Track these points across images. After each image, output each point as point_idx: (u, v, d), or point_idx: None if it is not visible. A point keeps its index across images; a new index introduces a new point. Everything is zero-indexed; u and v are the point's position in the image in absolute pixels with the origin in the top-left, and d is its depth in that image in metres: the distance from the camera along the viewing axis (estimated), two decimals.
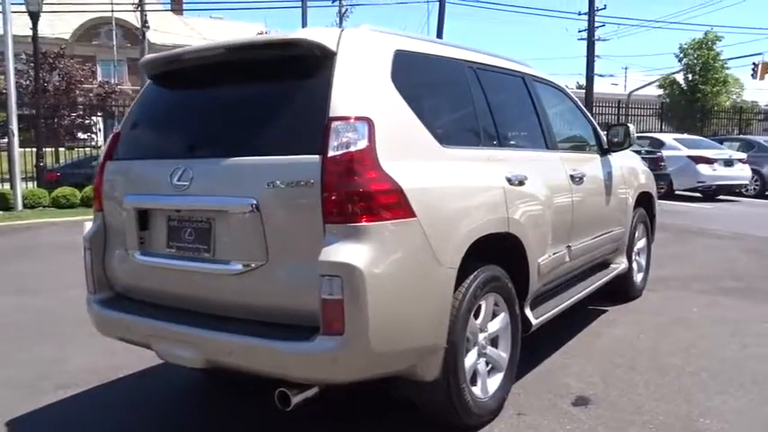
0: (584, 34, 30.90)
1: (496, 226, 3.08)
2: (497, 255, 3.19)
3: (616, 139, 4.70)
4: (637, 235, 5.40)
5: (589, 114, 4.78)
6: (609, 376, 3.68)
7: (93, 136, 28.66)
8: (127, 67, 46.88)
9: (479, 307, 3.07)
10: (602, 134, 4.80)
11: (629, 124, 4.70)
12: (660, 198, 13.66)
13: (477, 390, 3.06)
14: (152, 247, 2.94)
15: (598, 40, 32.58)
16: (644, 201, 5.44)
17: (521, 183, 3.35)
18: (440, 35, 21.20)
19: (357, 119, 2.48)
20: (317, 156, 2.42)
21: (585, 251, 4.29)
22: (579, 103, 4.72)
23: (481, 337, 3.11)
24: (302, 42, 2.62)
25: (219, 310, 2.73)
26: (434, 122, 2.94)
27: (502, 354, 3.27)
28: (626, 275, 5.13)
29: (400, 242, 2.50)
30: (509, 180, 3.23)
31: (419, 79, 2.99)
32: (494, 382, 3.20)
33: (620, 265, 4.98)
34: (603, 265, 4.89)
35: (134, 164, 3.08)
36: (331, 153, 2.41)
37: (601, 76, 39.35)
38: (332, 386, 2.63)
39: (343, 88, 2.52)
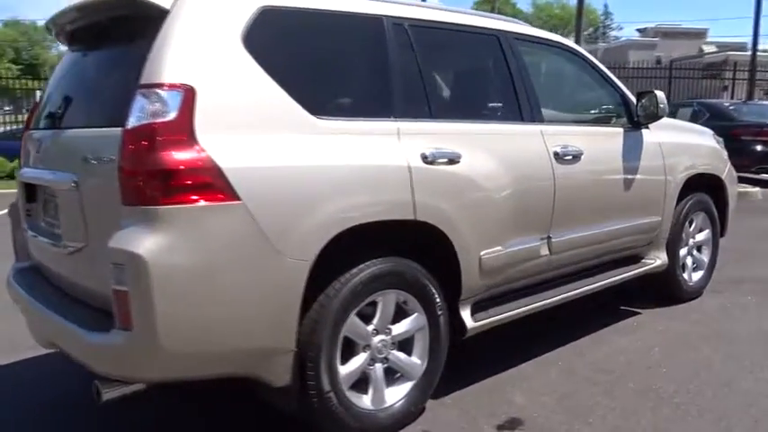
0: None
1: (393, 212, 2.62)
2: (407, 246, 2.74)
3: (645, 111, 3.87)
4: (693, 226, 4.50)
5: (618, 82, 3.96)
6: (571, 397, 3.06)
7: None
8: None
9: (375, 305, 2.67)
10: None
11: (656, 91, 3.83)
12: None
13: (364, 399, 2.67)
14: (35, 221, 2.88)
15: None
16: (706, 185, 4.50)
17: (450, 161, 2.82)
18: None
19: (171, 86, 2.16)
20: (120, 128, 2.16)
21: (583, 244, 3.59)
22: (602, 68, 3.92)
23: (377, 339, 2.69)
24: (134, 0, 2.35)
25: (69, 291, 2.61)
26: (309, 90, 2.52)
27: (415, 360, 2.82)
28: (666, 274, 4.27)
29: (214, 229, 2.17)
30: (425, 158, 2.73)
31: (295, 40, 2.58)
32: (396, 392, 2.77)
33: (653, 261, 4.15)
34: (632, 259, 4.11)
35: (31, 134, 3.03)
36: (130, 125, 2.13)
37: None
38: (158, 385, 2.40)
39: (163, 52, 2.21)
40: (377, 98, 2.78)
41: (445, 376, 2.96)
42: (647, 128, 4.03)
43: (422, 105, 2.90)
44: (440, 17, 3.10)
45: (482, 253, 2.99)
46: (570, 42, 3.79)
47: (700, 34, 42.93)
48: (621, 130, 3.87)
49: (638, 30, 47.53)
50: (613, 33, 53.55)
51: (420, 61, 2.91)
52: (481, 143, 3.01)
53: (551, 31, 4.22)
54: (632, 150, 3.85)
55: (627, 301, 4.45)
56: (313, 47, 2.64)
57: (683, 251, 4.43)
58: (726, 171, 4.66)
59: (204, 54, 2.28)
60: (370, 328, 2.68)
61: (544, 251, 3.34)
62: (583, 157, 3.48)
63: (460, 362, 3.27)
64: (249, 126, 2.30)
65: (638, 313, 4.29)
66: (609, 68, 4.06)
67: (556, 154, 3.34)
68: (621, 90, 3.95)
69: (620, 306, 4.38)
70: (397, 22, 2.88)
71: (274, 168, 2.31)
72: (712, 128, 4.98)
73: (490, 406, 2.98)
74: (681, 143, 4.25)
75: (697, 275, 4.60)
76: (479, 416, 2.89)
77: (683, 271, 4.47)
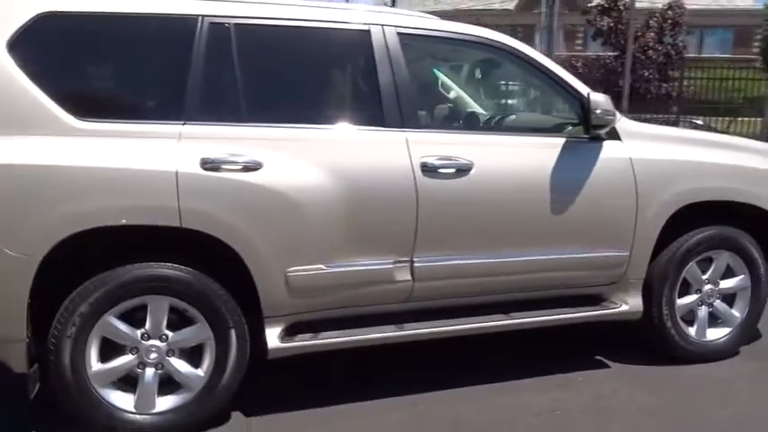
0: None
1: (148, 217, 2.57)
2: (193, 253, 2.68)
3: (591, 119, 3.08)
4: (711, 268, 3.46)
5: (574, 83, 3.20)
6: None
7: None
8: (563, 33, 47.29)
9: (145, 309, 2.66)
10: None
11: (591, 94, 3.00)
12: None
13: (127, 401, 2.67)
14: None
15: None
16: (740, 217, 3.45)
17: (246, 168, 2.66)
18: None
19: None
20: None
21: (476, 273, 3.04)
22: (550, 67, 3.19)
23: (148, 344, 2.67)
24: None
25: None
26: (78, 94, 2.61)
27: (197, 372, 2.74)
28: (649, 325, 3.38)
29: None
30: (205, 163, 2.61)
31: (75, 44, 2.66)
32: (170, 401, 2.72)
33: (618, 305, 3.31)
34: (588, 299, 3.33)
35: None
36: None
37: None
38: None
39: None
40: (163, 101, 2.74)
41: (290, 395, 3.05)
42: (619, 139, 3.23)
43: (228, 109, 2.78)
44: (284, 14, 2.89)
45: (289, 270, 2.75)
46: (500, 37, 3.15)
47: None
48: (562, 140, 3.15)
49: None
50: None
51: (239, 63, 2.78)
52: (298, 150, 2.76)
53: None
54: (573, 166, 3.12)
55: (612, 350, 3.61)
56: (95, 51, 2.72)
57: (685, 299, 3.44)
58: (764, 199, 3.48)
59: None
60: (141, 331, 2.67)
61: (402, 276, 2.93)
62: (473, 170, 2.95)
63: (320, 384, 3.21)
64: None
65: (606, 367, 3.46)
66: None
67: (424, 165, 2.89)
68: (577, 93, 3.19)
69: (595, 355, 3.58)
70: (218, 22, 2.77)
71: (6, 166, 2.44)
72: None
73: None
74: (674, 161, 3.28)
75: (717, 333, 3.53)
76: None
77: (691, 324, 3.48)
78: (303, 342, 2.85)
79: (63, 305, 2.56)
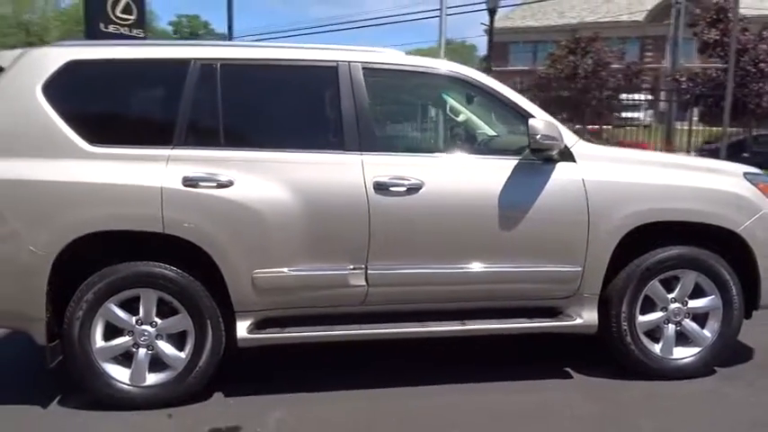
0: None
1: (138, 224, 3.16)
2: (172, 255, 3.24)
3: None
4: (678, 287, 3.54)
5: (530, 108, 3.43)
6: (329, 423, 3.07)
7: (638, 114, 29.37)
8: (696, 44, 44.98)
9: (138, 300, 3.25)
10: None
11: (530, 119, 3.22)
12: None
13: (123, 373, 3.26)
14: None
15: None
16: (709, 238, 3.53)
17: (220, 185, 3.19)
18: None
19: None
20: None
21: (428, 282, 3.37)
22: (507, 95, 3.46)
23: (141, 328, 3.25)
24: None
25: None
26: (93, 124, 3.24)
27: (179, 354, 3.29)
28: (610, 339, 3.52)
29: None
30: (186, 180, 3.17)
31: (95, 85, 3.31)
32: (157, 377, 3.29)
33: (573, 318, 3.48)
34: (545, 311, 3.54)
35: None
36: None
37: None
38: None
39: None
40: (160, 130, 3.32)
41: (266, 381, 3.54)
42: (573, 161, 3.43)
43: (211, 136, 3.34)
44: (262, 55, 3.43)
45: (255, 271, 3.23)
46: (460, 68, 3.46)
47: None
48: (515, 161, 3.40)
49: None
50: None
51: (221, 96, 3.33)
52: (266, 170, 3.25)
53: None
54: (521, 185, 3.37)
55: (584, 363, 3.75)
56: (107, 89, 3.36)
57: (649, 316, 3.54)
58: (749, 223, 3.49)
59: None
60: (135, 317, 3.26)
61: (357, 281, 3.32)
62: (423, 189, 3.30)
63: (294, 373, 3.69)
64: (18, 151, 3.14)
65: (570, 377, 3.63)
66: None
67: (378, 184, 3.28)
68: (529, 117, 3.42)
69: (566, 366, 3.75)
70: (206, 63, 3.34)
71: (23, 182, 3.10)
72: None
73: (251, 416, 3.21)
74: (627, 182, 3.42)
75: (685, 351, 3.58)
76: (222, 419, 3.18)
77: (657, 342, 3.57)
78: (269, 335, 3.32)
79: (75, 293, 3.20)
